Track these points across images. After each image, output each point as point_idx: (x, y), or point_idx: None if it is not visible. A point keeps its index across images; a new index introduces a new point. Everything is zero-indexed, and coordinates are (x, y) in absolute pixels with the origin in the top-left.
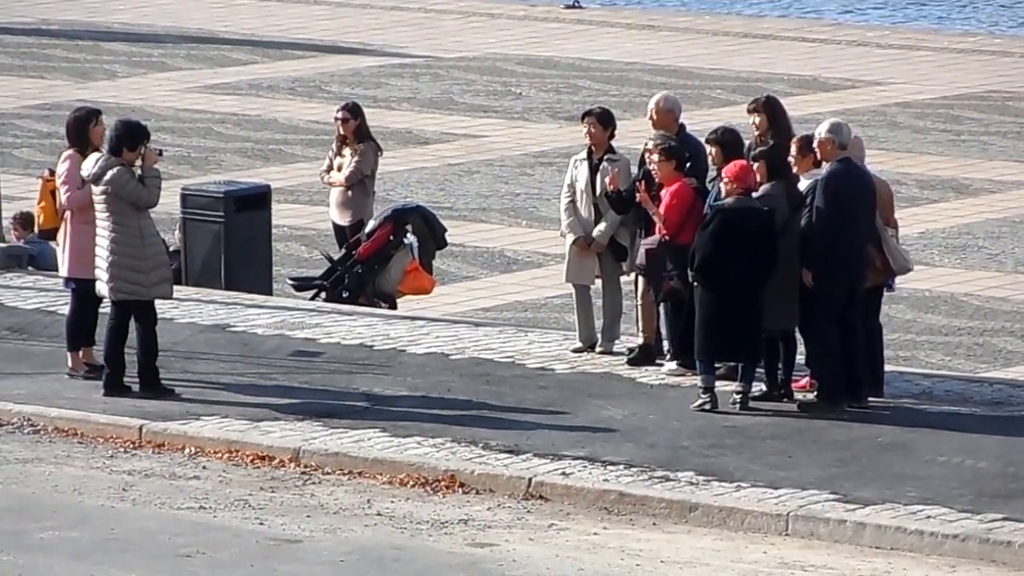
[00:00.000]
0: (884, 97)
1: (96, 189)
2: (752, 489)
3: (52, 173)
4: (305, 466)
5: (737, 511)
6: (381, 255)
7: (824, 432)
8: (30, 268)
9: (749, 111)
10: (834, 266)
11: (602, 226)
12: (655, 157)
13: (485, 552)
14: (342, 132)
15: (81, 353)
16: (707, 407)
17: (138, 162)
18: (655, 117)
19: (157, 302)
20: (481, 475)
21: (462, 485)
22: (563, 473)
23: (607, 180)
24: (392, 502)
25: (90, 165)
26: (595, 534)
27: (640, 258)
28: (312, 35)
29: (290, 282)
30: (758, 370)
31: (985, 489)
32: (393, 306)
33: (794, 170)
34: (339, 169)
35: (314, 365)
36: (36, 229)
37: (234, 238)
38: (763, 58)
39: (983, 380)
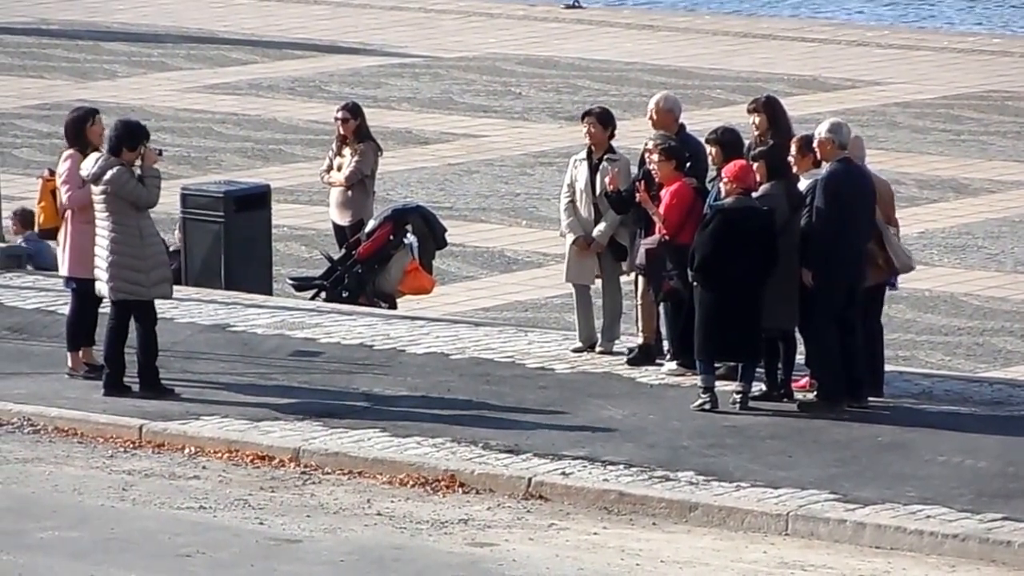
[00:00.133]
0: (884, 97)
1: (96, 189)
2: (752, 489)
3: (52, 173)
4: (305, 466)
5: (737, 511)
6: (381, 255)
7: (824, 432)
8: (28, 267)
9: (749, 111)
10: (834, 266)
11: (602, 226)
12: (655, 157)
13: (485, 552)
14: (342, 132)
15: (81, 353)
16: (707, 407)
17: (138, 162)
18: (655, 117)
19: (157, 302)
20: (481, 475)
21: (462, 485)
22: (563, 473)
23: (607, 180)
24: (392, 502)
25: (90, 165)
26: (595, 534)
27: (640, 258)
28: (312, 35)
29: (290, 282)
30: (758, 370)
31: (985, 489)
32: (393, 306)
33: (794, 170)
34: (339, 169)
35: (314, 365)
36: (36, 228)
37: (234, 238)
38: (763, 58)
39: (983, 380)
